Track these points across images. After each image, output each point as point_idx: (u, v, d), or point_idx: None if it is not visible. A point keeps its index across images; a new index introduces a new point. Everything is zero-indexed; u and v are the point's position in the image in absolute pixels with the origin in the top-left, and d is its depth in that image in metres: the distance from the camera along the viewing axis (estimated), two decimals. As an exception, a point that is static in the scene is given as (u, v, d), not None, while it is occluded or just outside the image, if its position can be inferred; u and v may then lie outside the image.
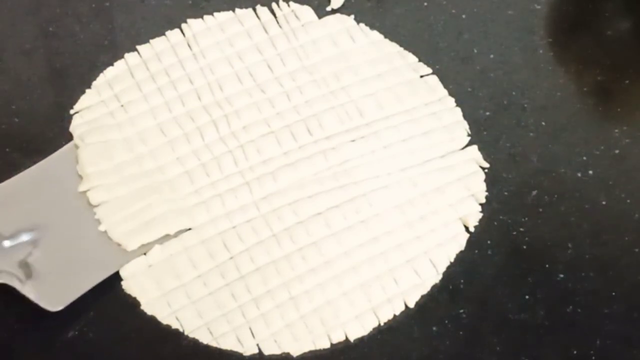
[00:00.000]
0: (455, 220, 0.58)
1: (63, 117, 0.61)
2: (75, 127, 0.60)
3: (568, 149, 0.61)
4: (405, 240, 0.56)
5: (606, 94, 0.64)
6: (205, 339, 0.53)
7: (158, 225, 0.56)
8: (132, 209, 0.57)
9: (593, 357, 0.53)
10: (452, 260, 0.56)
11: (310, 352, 0.53)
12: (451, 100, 0.62)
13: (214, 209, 0.57)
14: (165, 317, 0.54)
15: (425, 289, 0.55)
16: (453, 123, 0.61)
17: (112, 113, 0.61)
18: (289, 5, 0.66)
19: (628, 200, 0.59)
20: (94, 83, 0.62)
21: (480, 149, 0.60)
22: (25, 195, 0.57)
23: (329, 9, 0.66)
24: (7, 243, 0.55)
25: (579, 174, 0.60)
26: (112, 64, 0.63)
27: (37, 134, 0.60)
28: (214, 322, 0.54)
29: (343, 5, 0.66)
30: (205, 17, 0.65)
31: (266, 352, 0.53)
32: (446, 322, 0.54)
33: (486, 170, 0.60)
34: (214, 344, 0.53)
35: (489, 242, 0.57)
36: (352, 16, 0.66)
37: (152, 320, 0.54)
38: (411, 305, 0.55)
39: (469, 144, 0.61)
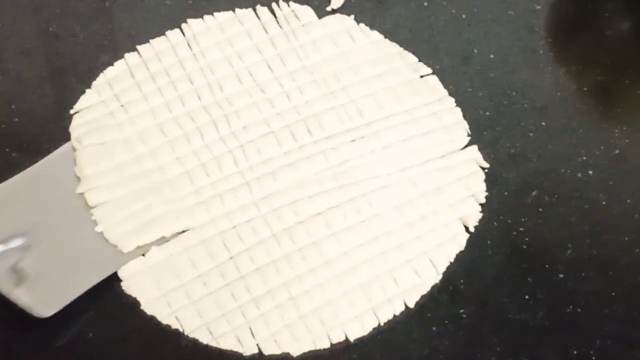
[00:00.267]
0: (455, 220, 0.58)
1: (63, 117, 0.61)
2: (75, 127, 0.60)
3: (568, 149, 0.61)
4: (405, 240, 0.56)
5: (606, 94, 0.64)
6: (205, 339, 0.53)
7: (157, 226, 0.56)
8: (131, 209, 0.57)
9: (593, 357, 0.53)
10: (452, 260, 0.56)
11: (310, 352, 0.53)
12: (451, 100, 0.62)
13: (214, 209, 0.57)
14: (165, 317, 0.54)
15: (425, 289, 0.55)
16: (453, 123, 0.61)
17: (112, 113, 0.61)
18: (289, 5, 0.66)
19: (628, 200, 0.59)
20: (94, 83, 0.62)
21: (480, 149, 0.60)
22: (20, 198, 0.57)
23: (329, 9, 0.66)
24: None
25: (579, 174, 0.60)
26: (112, 64, 0.63)
27: (37, 134, 0.60)
28: (214, 322, 0.54)
29: (343, 5, 0.66)
30: (205, 17, 0.65)
31: (266, 352, 0.53)
32: (446, 322, 0.54)
33: (486, 170, 0.60)
34: (213, 344, 0.53)
35: (489, 242, 0.57)
36: (352, 16, 0.65)
37: (152, 320, 0.54)
38: (411, 305, 0.55)
39: (469, 144, 0.61)
